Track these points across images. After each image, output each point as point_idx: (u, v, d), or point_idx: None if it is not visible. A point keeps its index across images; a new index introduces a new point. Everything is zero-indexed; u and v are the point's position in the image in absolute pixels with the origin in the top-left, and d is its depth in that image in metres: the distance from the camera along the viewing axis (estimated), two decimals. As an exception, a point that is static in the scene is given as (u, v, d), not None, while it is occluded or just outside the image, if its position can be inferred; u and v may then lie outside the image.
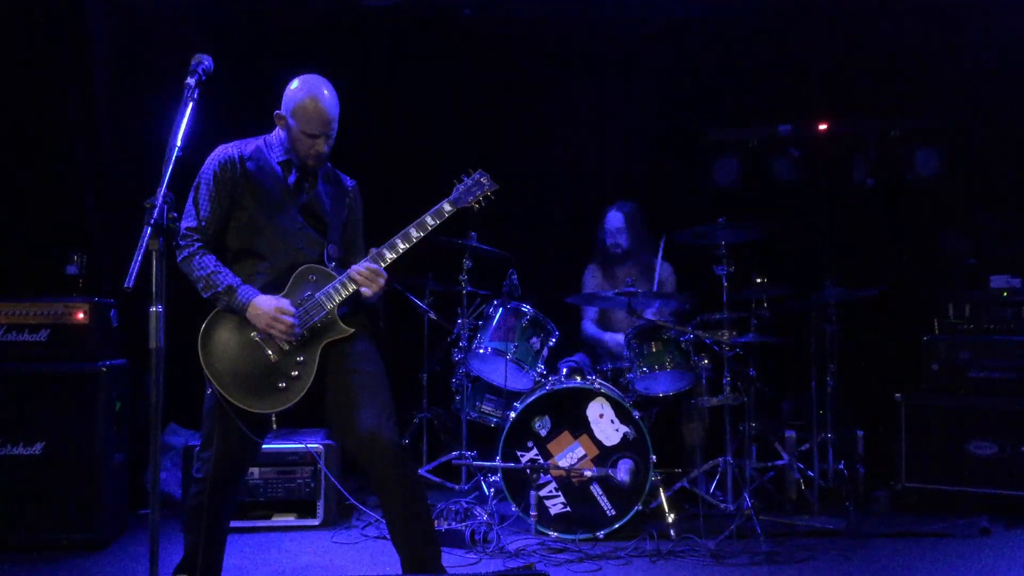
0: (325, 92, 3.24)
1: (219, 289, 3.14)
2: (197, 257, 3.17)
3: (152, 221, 2.53)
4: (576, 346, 5.50)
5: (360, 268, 3.19)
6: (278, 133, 3.33)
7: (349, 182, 3.49)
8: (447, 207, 3.32)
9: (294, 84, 3.26)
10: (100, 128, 5.29)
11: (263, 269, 3.24)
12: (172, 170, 2.65)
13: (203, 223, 3.20)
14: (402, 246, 3.25)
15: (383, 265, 3.22)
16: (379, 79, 6.10)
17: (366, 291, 3.20)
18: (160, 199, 2.56)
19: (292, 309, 3.14)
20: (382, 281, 3.21)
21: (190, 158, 3.16)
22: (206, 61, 2.90)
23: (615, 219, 5.51)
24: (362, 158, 5.35)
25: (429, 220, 3.28)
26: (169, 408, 4.73)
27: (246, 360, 3.15)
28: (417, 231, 3.26)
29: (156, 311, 2.55)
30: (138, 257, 2.48)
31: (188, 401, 3.89)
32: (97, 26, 5.26)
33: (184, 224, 3.18)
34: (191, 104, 2.80)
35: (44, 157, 5.16)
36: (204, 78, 2.89)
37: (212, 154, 3.26)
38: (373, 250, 3.26)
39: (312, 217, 3.31)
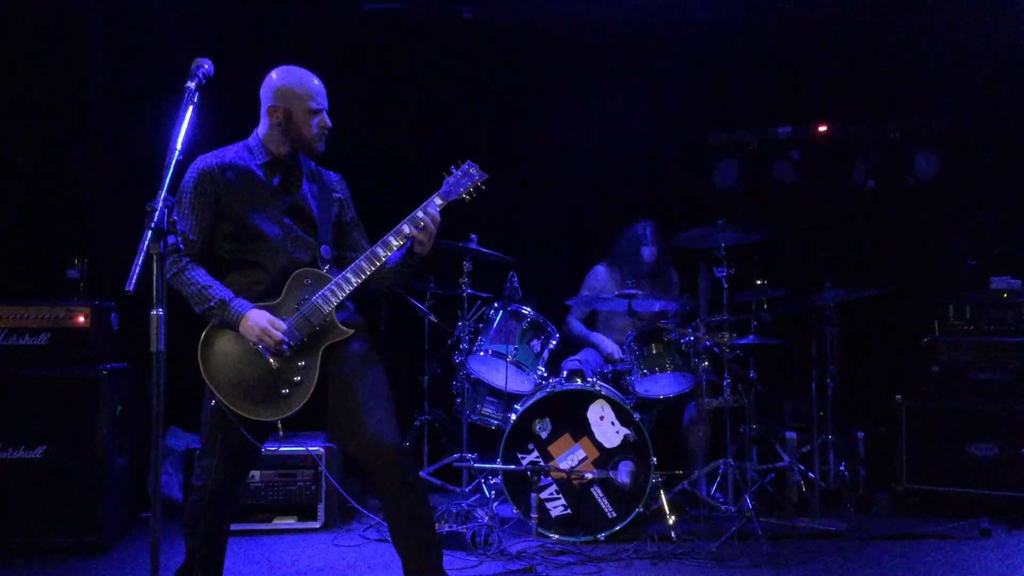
0: (309, 73, 3.27)
1: (211, 304, 3.11)
2: (187, 272, 3.13)
3: (153, 224, 2.53)
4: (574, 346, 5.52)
5: (412, 219, 3.21)
6: (258, 135, 3.29)
7: (333, 176, 3.46)
8: (438, 201, 3.29)
9: (275, 75, 3.24)
10: (101, 131, 5.30)
11: (258, 276, 3.22)
12: (172, 174, 2.65)
13: (190, 237, 3.16)
14: (395, 243, 3.23)
15: (378, 264, 3.22)
16: (379, 82, 6.11)
17: (420, 244, 3.23)
18: (161, 203, 2.55)
19: (283, 324, 3.12)
20: (433, 228, 3.23)
21: (190, 162, 3.18)
22: (206, 65, 2.90)
23: (650, 253, 5.44)
24: (362, 161, 5.37)
25: (420, 215, 3.25)
26: (170, 411, 4.75)
27: (248, 369, 3.13)
28: (410, 227, 3.24)
29: (157, 314, 2.54)
30: (139, 260, 2.48)
31: (189, 404, 3.88)
32: (97, 30, 5.27)
33: (170, 240, 3.16)
34: (191, 107, 2.79)
35: (45, 161, 5.17)
36: (204, 81, 2.88)
37: (191, 166, 3.21)
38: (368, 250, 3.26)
39: (301, 219, 3.28)
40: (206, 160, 3.23)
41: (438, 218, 3.25)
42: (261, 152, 3.27)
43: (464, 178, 3.34)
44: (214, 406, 3.14)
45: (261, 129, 3.29)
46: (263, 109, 3.26)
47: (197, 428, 3.62)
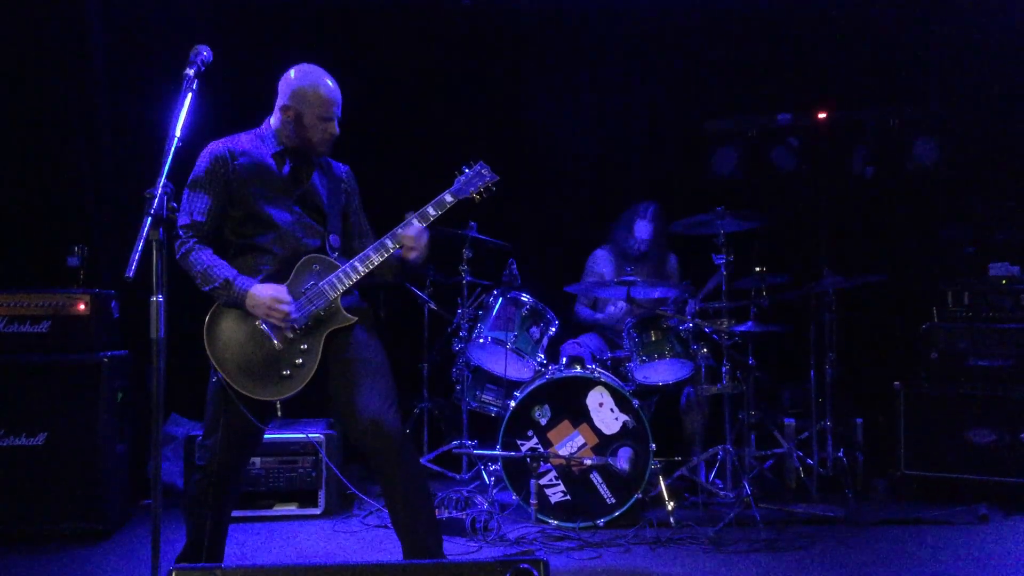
0: (327, 77, 3.30)
1: (217, 283, 3.15)
2: (194, 253, 3.19)
3: (152, 211, 2.55)
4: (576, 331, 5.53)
5: (404, 232, 3.24)
6: (271, 125, 3.33)
7: (341, 168, 3.51)
8: (448, 198, 3.34)
9: (294, 74, 3.29)
10: (100, 119, 5.29)
11: (266, 261, 3.26)
12: (172, 161, 2.66)
13: (198, 219, 3.21)
14: (404, 234, 3.27)
15: (385, 256, 3.25)
16: (380, 70, 6.10)
17: (414, 255, 3.28)
18: (160, 189, 2.57)
19: (288, 297, 3.16)
20: (424, 239, 3.28)
21: (189, 149, 3.17)
22: (205, 52, 2.92)
23: (643, 229, 5.41)
24: (363, 149, 5.36)
25: (431, 210, 3.31)
26: (170, 398, 4.75)
27: (251, 348, 3.17)
28: (419, 221, 3.29)
29: (157, 301, 2.56)
30: (138, 247, 2.50)
31: (189, 391, 3.90)
32: (96, 17, 5.26)
33: (180, 222, 3.19)
34: (190, 95, 2.81)
35: (44, 149, 5.16)
36: (203, 69, 2.90)
37: (204, 151, 3.27)
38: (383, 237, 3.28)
39: (310, 207, 3.33)
40: (219, 145, 3.28)
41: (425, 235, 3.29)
42: (273, 142, 3.33)
43: (476, 178, 3.39)
44: (216, 382, 3.18)
45: (275, 121, 3.33)
46: (277, 104, 3.30)
47: (197, 415, 3.64)
